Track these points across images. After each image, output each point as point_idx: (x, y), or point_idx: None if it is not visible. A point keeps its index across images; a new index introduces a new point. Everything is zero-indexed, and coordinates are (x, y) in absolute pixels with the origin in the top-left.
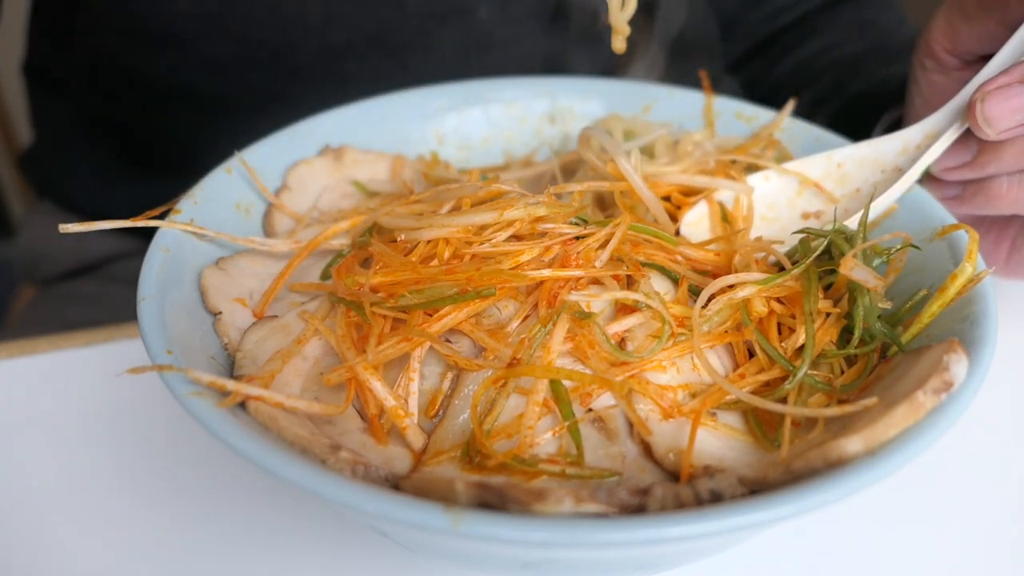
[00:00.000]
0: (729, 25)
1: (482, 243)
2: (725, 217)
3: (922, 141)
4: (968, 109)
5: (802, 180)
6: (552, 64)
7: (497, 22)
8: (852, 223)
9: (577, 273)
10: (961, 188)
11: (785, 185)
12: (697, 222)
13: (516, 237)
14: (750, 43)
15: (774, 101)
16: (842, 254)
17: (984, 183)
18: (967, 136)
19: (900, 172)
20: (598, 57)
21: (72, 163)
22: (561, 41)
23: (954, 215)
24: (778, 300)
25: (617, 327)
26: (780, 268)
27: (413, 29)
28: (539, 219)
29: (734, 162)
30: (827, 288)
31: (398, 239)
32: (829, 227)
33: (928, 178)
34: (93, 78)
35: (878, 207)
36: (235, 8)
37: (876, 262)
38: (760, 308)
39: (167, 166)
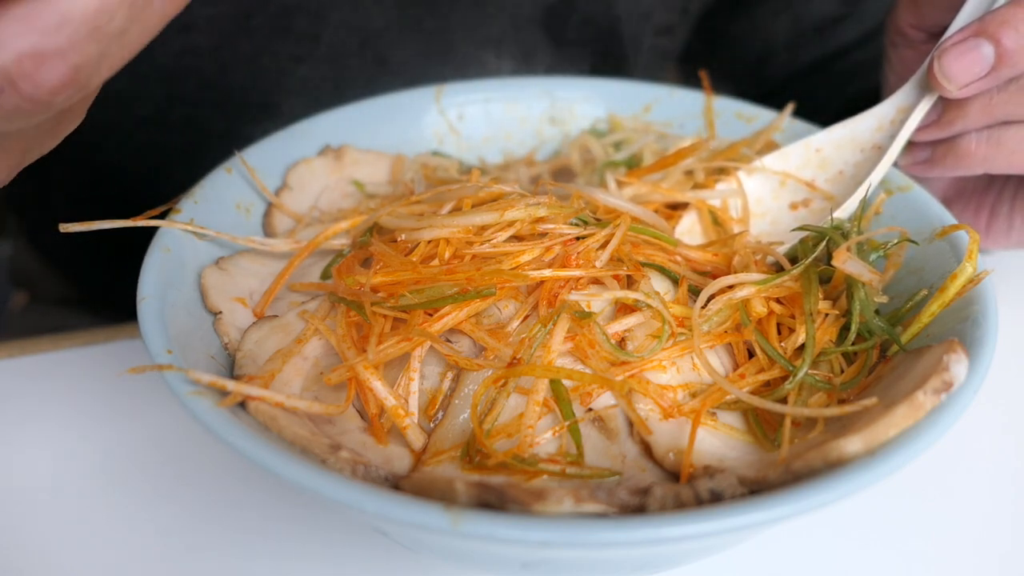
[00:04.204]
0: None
1: (483, 243)
2: (716, 221)
3: (896, 115)
4: (928, 70)
5: (783, 170)
6: None
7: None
8: (845, 211)
9: (577, 273)
10: (931, 150)
11: (767, 177)
12: (689, 229)
13: (517, 237)
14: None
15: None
16: None
17: (953, 143)
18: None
19: (880, 149)
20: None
21: (49, 212)
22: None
23: (927, 180)
24: (777, 300)
25: (617, 327)
26: (779, 268)
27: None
28: (539, 219)
29: (720, 169)
30: (825, 288)
31: (399, 239)
32: (820, 215)
33: None
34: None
35: (865, 188)
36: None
37: (872, 257)
38: (759, 308)
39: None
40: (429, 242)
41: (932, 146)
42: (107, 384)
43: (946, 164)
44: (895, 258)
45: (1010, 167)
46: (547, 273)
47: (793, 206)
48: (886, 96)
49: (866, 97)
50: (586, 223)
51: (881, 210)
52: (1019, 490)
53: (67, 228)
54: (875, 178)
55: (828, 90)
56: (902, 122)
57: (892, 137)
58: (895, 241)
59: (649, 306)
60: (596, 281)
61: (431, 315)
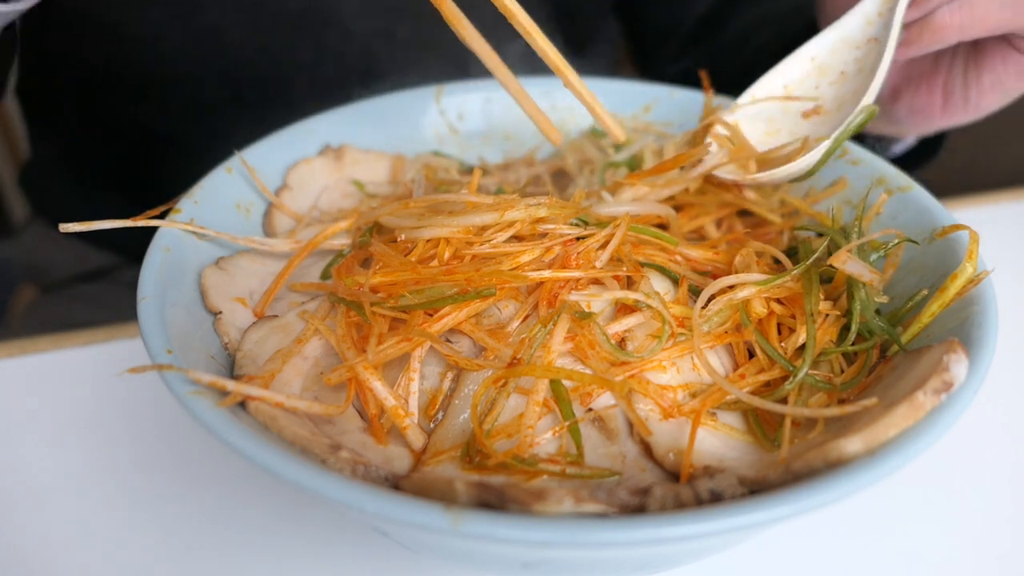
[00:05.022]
0: (665, 27)
1: (482, 243)
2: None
3: (880, 7)
4: None
5: (785, 85)
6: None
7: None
8: (870, 97)
9: (577, 274)
10: (905, 33)
11: (770, 95)
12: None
13: (517, 238)
14: (690, 26)
15: (720, 70)
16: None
17: (927, 20)
18: None
19: (876, 41)
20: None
21: (61, 190)
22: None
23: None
24: (778, 300)
25: (617, 327)
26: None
27: (402, 59)
28: (540, 220)
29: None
30: (826, 288)
31: (398, 239)
32: (833, 120)
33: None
34: (82, 115)
35: (879, 79)
36: (223, 49)
37: (873, 257)
38: (759, 309)
39: (152, 202)
40: (428, 242)
41: (905, 29)
42: (107, 384)
43: (923, 40)
44: (893, 258)
45: (984, 28)
46: (547, 274)
47: (805, 115)
48: (825, 14)
49: (808, 32)
50: (586, 223)
51: (881, 210)
52: (1018, 490)
53: (66, 228)
54: (886, 60)
55: (770, 38)
56: (890, 10)
57: (885, 26)
58: (894, 242)
59: (649, 306)
60: (596, 281)
61: (431, 315)
